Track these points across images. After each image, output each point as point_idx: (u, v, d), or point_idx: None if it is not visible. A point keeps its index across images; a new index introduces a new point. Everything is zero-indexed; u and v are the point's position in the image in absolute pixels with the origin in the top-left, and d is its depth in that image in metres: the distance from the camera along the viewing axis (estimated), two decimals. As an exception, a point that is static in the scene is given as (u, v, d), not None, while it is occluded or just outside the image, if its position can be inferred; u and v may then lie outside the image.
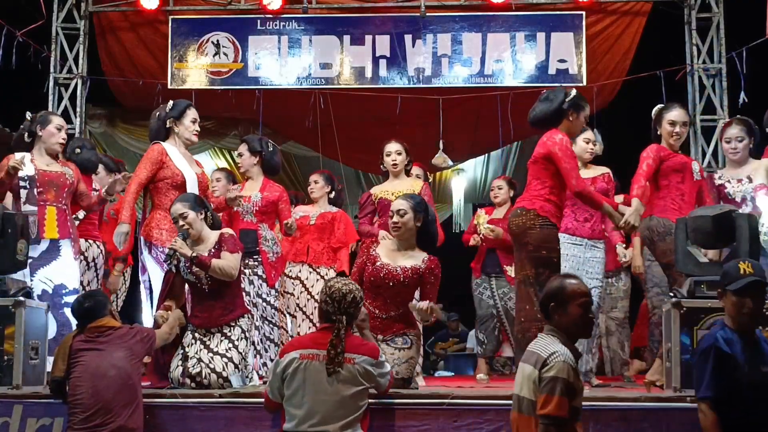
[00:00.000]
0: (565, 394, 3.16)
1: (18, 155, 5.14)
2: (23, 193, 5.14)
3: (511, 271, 6.47)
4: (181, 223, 4.74)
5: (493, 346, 6.37)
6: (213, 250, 4.73)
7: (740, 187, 5.16)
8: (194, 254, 4.61)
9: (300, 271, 6.15)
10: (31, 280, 5.03)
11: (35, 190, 5.15)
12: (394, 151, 5.83)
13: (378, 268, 4.46)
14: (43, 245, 5.13)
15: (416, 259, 4.55)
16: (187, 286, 4.84)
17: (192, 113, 5.37)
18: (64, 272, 5.15)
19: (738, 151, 5.23)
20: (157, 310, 4.79)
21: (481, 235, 6.31)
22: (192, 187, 5.20)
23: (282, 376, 3.73)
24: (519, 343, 4.48)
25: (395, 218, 4.54)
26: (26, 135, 5.31)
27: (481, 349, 6.35)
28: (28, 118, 5.38)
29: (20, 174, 5.08)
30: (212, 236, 4.82)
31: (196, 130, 5.39)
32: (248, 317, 4.87)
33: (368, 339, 4.14)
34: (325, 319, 3.85)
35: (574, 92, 4.74)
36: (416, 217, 4.57)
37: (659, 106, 5.26)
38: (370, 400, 3.84)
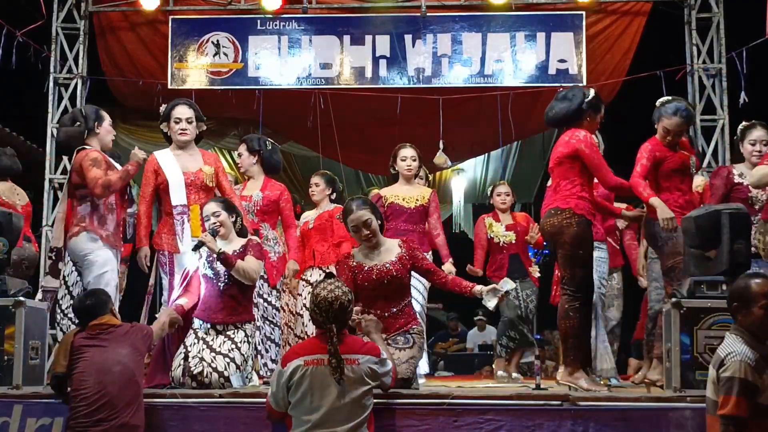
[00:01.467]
0: (743, 394, 3.20)
1: (139, 151, 5.14)
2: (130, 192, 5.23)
3: (534, 271, 6.53)
4: (212, 220, 4.83)
5: (527, 344, 6.45)
6: (237, 252, 4.80)
7: (763, 195, 5.11)
8: (221, 250, 4.68)
9: (311, 275, 6.18)
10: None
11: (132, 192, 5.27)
12: (409, 157, 5.85)
13: (368, 271, 4.47)
14: None
15: (393, 249, 4.56)
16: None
17: (176, 112, 5.28)
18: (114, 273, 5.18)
19: (762, 154, 5.18)
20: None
21: (502, 244, 6.34)
22: (176, 189, 5.18)
23: (287, 384, 3.73)
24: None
25: (365, 231, 4.50)
26: (86, 132, 5.18)
27: (509, 348, 6.39)
28: (81, 114, 5.25)
29: None
30: (237, 242, 4.91)
31: (182, 129, 5.26)
32: (253, 324, 4.92)
33: (375, 341, 4.12)
34: (317, 326, 3.87)
35: (592, 92, 4.74)
36: (378, 216, 4.60)
37: (662, 99, 5.06)
38: (373, 400, 3.84)
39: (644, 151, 4.91)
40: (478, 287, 4.59)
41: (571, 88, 4.88)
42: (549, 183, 4.93)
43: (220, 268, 4.76)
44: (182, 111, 5.29)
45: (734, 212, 4.36)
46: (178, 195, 5.19)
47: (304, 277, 6.19)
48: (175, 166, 5.22)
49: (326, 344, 3.71)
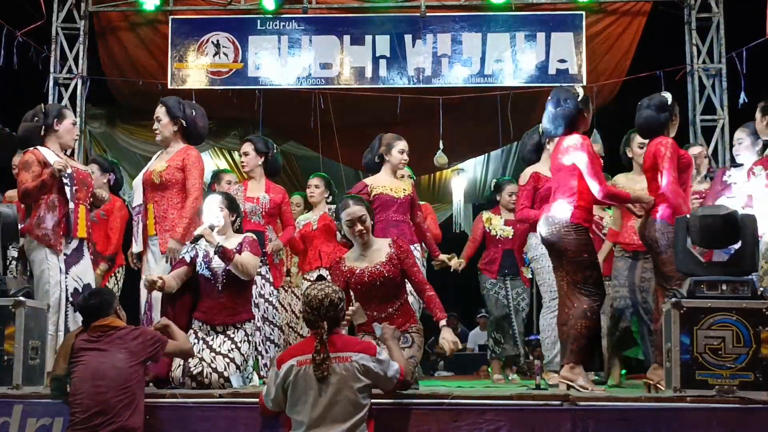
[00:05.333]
0: None
1: (56, 162, 4.97)
2: (67, 190, 5.01)
3: (526, 272, 6.49)
4: (218, 214, 4.80)
5: (510, 347, 6.40)
6: (235, 249, 4.78)
7: None
8: (219, 244, 4.65)
9: (317, 277, 6.16)
10: (66, 277, 4.98)
11: (74, 188, 5.06)
12: (406, 151, 5.80)
13: (360, 275, 4.45)
14: (74, 243, 5.07)
15: (383, 249, 4.54)
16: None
17: (155, 111, 5.25)
18: (88, 272, 5.14)
19: None
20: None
21: (498, 237, 6.34)
22: (136, 190, 5.23)
23: (283, 386, 3.74)
24: (569, 337, 4.56)
25: (359, 227, 4.47)
26: (42, 129, 5.11)
27: (497, 350, 6.36)
28: (42, 111, 5.18)
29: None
30: (234, 239, 4.88)
31: (154, 129, 5.26)
32: (252, 323, 4.91)
33: (394, 351, 4.05)
34: (309, 326, 3.86)
35: (580, 91, 4.68)
36: (371, 216, 4.60)
37: (667, 94, 4.96)
38: (372, 400, 3.83)
39: (672, 149, 4.63)
40: (446, 329, 4.40)
41: (557, 91, 4.75)
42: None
43: (217, 268, 4.71)
44: (156, 110, 5.26)
45: (749, 214, 4.41)
46: (136, 195, 5.25)
47: (308, 278, 6.19)
48: (146, 166, 5.25)
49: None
